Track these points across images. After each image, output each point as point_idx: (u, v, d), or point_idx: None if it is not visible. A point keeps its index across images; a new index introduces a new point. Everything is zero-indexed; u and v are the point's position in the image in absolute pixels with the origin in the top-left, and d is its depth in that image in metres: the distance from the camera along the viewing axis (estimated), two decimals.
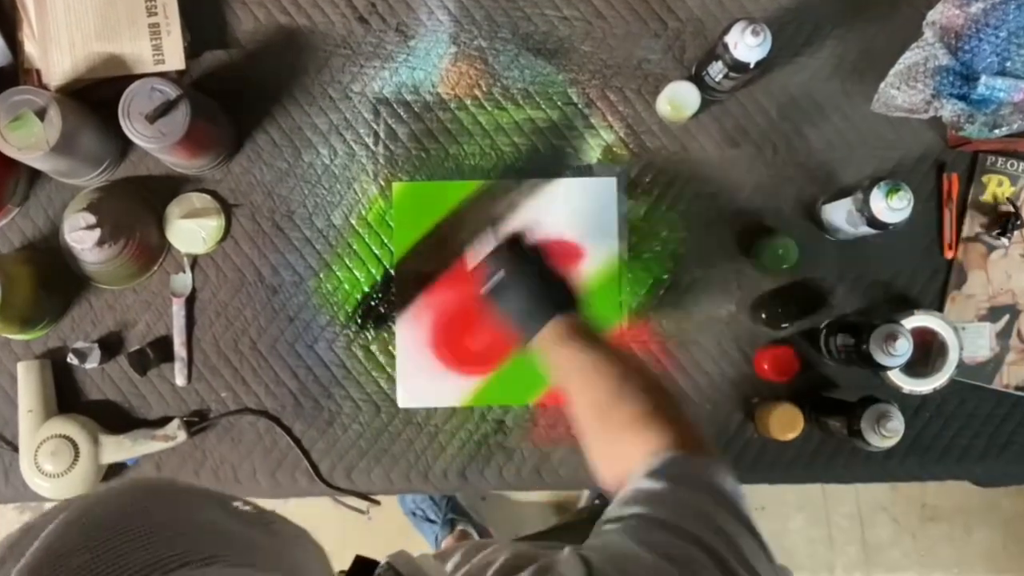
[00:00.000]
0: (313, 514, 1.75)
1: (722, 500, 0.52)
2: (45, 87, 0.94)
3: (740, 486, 0.54)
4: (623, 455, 0.59)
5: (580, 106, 1.01)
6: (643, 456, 0.57)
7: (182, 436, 0.95)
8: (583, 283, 0.80)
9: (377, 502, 1.01)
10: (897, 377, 0.94)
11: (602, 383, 0.65)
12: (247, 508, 0.37)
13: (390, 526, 1.69)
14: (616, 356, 0.68)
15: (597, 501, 1.62)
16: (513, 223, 0.83)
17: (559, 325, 0.73)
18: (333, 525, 1.70)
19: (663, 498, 0.52)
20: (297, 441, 0.98)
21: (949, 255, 0.99)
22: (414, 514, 1.62)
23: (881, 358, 0.85)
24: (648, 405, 0.61)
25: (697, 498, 0.52)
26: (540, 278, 0.76)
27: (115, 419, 0.97)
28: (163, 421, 0.97)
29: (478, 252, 0.80)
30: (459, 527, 1.57)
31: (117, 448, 0.94)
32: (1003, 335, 0.99)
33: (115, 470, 0.97)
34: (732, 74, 0.90)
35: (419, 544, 1.63)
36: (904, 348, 0.85)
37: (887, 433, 0.86)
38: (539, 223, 0.99)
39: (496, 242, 0.79)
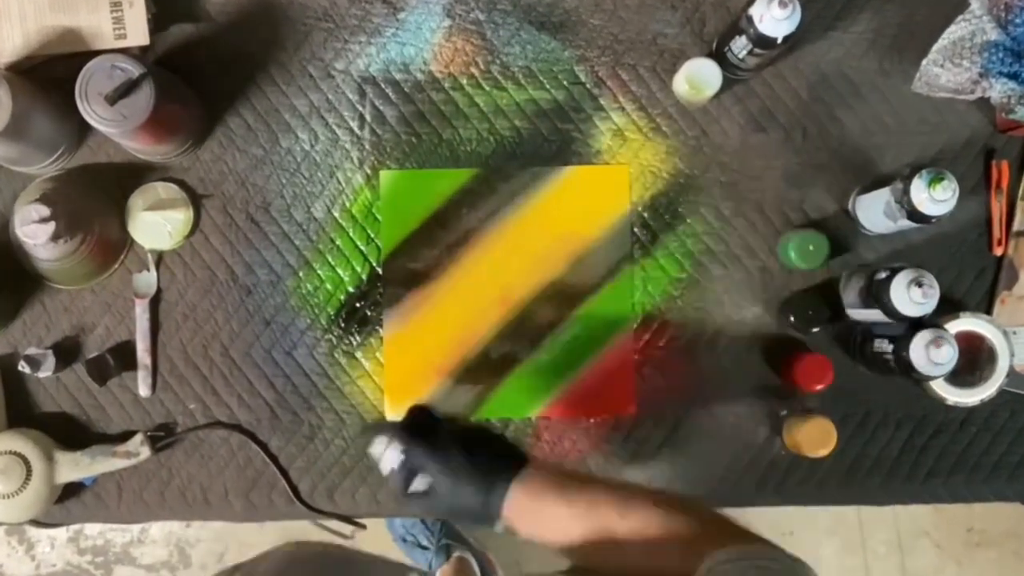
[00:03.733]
0: (293, 539, 1.75)
1: None
2: None
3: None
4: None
5: (588, 86, 1.01)
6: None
7: (145, 452, 0.95)
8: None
9: (362, 526, 1.01)
10: (941, 387, 0.94)
11: (608, 516, 0.64)
12: None
13: (377, 552, 1.69)
14: (605, 489, 0.67)
15: None
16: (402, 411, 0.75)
17: (522, 490, 0.68)
18: None
19: None
20: (274, 458, 0.98)
21: (998, 251, 0.99)
22: (404, 540, 1.62)
23: (923, 367, 0.85)
24: (671, 513, 0.62)
25: None
26: (470, 451, 0.70)
27: (71, 434, 0.97)
28: (125, 436, 0.97)
29: (381, 455, 0.72)
30: (455, 554, 1.56)
31: (73, 466, 0.94)
32: None
33: (71, 490, 0.97)
34: (757, 50, 0.90)
35: None
36: (949, 356, 0.85)
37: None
38: (542, 215, 1.00)
39: (391, 438, 0.71)
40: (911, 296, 0.86)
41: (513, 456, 0.71)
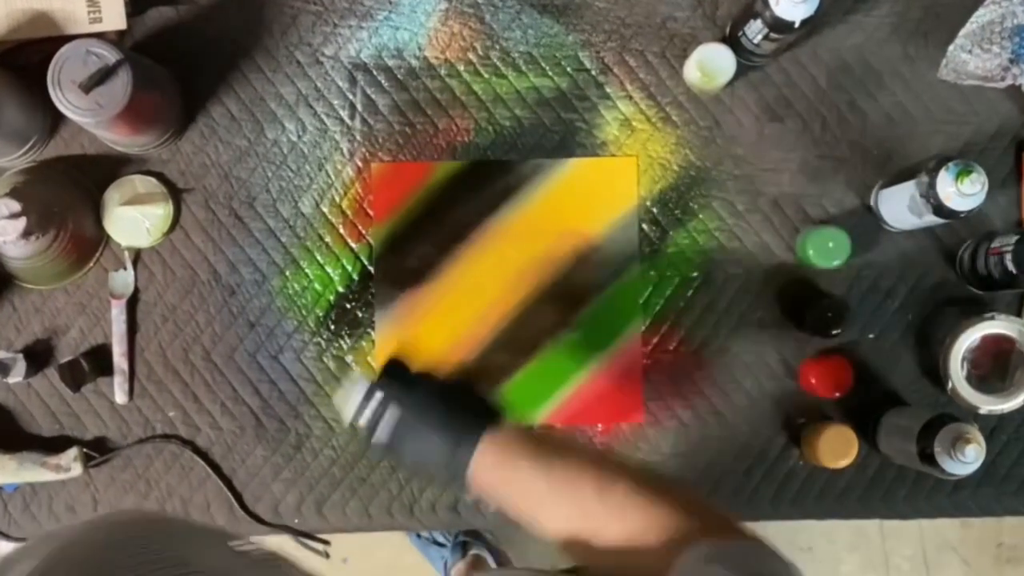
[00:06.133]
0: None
1: None
2: None
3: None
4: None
5: (594, 73, 1.01)
6: (670, 555, 0.55)
7: (77, 469, 0.95)
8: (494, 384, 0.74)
9: (327, 542, 1.00)
10: (971, 395, 0.94)
11: (585, 494, 0.63)
12: (252, 548, 0.40)
13: (370, 571, 1.70)
14: (586, 461, 0.66)
15: None
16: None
17: (494, 446, 0.67)
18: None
19: None
20: (216, 467, 0.98)
21: None
22: (419, 536, 1.64)
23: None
24: (653, 497, 0.61)
25: None
26: (444, 399, 0.70)
27: (9, 434, 0.97)
28: (100, 442, 0.97)
29: (349, 398, 0.72)
30: (472, 551, 1.58)
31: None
32: None
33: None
34: (773, 35, 0.90)
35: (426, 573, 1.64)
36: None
37: (966, 459, 0.86)
38: (544, 211, 1.00)
39: (366, 381, 0.72)
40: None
41: (491, 413, 0.70)
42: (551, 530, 0.65)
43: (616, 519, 0.61)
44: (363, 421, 0.70)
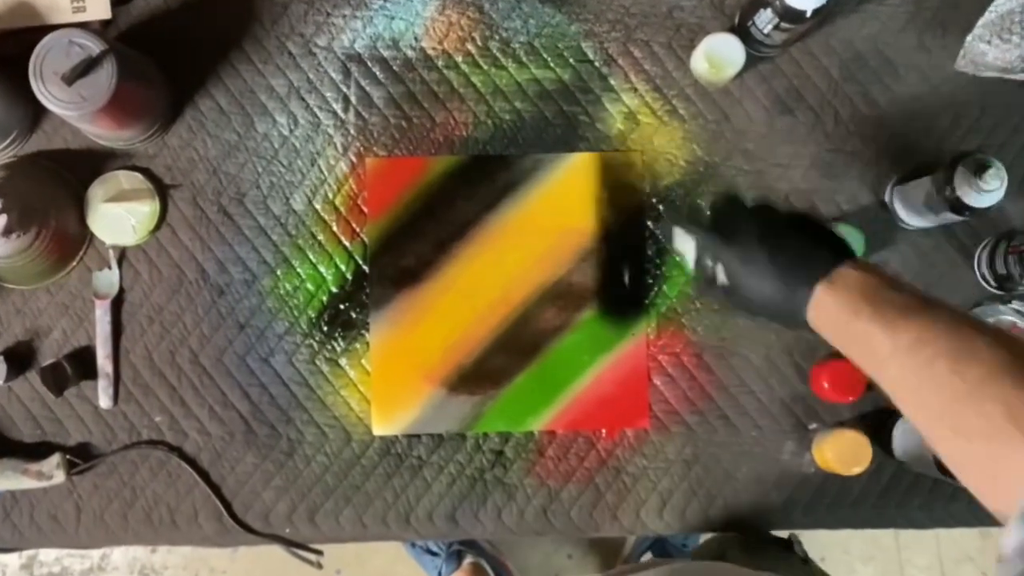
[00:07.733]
0: (264, 563, 1.76)
1: None
2: None
3: None
4: (998, 472, 0.50)
5: (597, 64, 1.01)
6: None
7: (60, 476, 0.94)
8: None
9: (319, 552, 1.00)
10: None
11: (938, 365, 0.54)
12: None
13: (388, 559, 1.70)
14: (942, 323, 0.57)
15: (649, 553, 1.62)
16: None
17: (831, 295, 0.63)
18: None
19: None
20: (205, 475, 0.98)
21: None
22: (413, 545, 1.64)
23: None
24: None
25: None
26: (777, 239, 0.69)
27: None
28: (83, 449, 0.97)
29: (685, 247, 0.78)
30: (467, 559, 1.58)
31: None
32: None
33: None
34: (784, 24, 0.90)
35: None
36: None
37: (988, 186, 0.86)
38: (546, 207, 1.00)
39: (688, 231, 0.77)
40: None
41: (833, 248, 0.67)
42: (894, 396, 0.59)
43: (971, 403, 0.52)
44: (702, 269, 0.75)
